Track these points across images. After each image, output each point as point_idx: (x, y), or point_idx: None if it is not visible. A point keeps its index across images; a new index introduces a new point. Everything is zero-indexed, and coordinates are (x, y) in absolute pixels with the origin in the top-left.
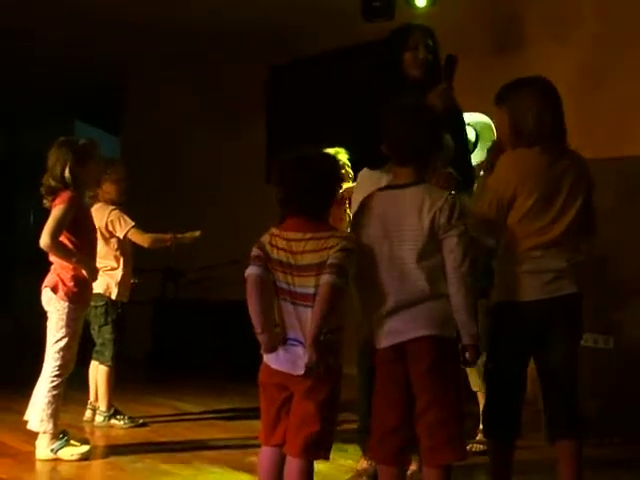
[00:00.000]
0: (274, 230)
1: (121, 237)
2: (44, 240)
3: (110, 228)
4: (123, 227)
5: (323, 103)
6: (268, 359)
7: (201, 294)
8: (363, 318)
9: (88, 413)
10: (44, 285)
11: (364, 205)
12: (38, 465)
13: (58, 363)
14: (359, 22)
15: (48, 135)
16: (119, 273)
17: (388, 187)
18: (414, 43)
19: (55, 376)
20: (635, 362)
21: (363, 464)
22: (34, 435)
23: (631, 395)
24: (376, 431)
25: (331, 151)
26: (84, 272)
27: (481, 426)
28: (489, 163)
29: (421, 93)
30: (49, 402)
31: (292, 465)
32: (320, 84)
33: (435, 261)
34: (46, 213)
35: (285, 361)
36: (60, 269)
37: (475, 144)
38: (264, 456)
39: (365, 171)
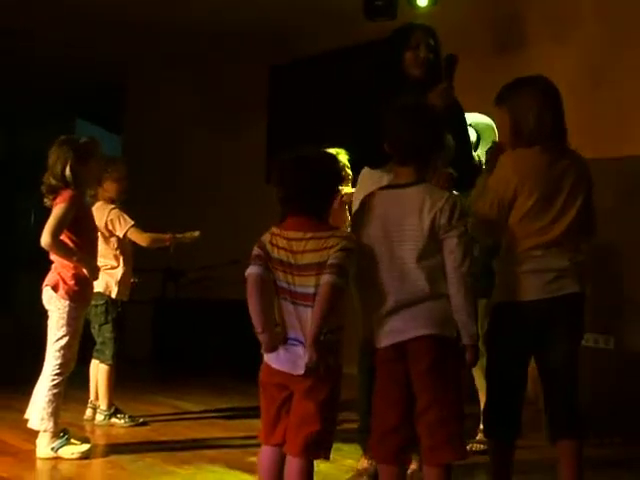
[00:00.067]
0: (275, 229)
1: (120, 236)
2: (45, 239)
3: (110, 227)
4: (123, 226)
5: (323, 103)
6: (268, 359)
7: (201, 294)
8: (363, 318)
9: (89, 412)
10: (45, 284)
11: (365, 204)
12: (38, 464)
13: (59, 362)
14: (359, 22)
15: (49, 134)
16: (119, 272)
17: (389, 186)
18: (415, 42)
19: (56, 375)
20: (635, 362)
21: (364, 463)
22: (35, 433)
23: (631, 395)
24: (376, 430)
25: (332, 151)
26: (85, 271)
27: (481, 426)
28: (488, 164)
29: (422, 93)
30: (50, 401)
31: (292, 464)
32: (320, 84)
33: (435, 261)
34: (47, 212)
35: (285, 361)
36: (61, 268)
37: (476, 145)
38: (264, 455)
39: (366, 170)
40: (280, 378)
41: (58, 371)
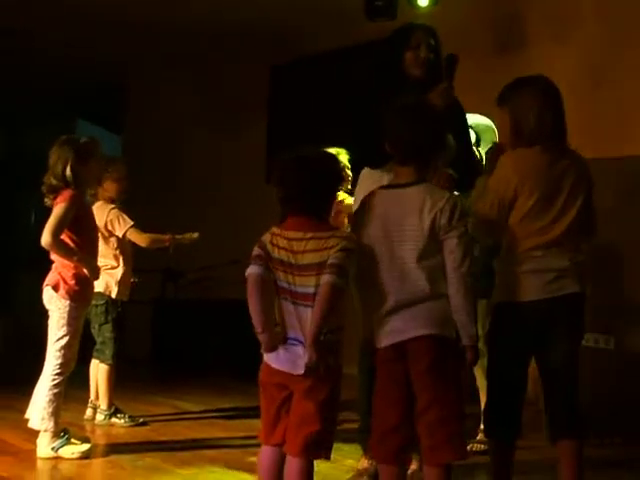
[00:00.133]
0: (275, 229)
1: (120, 236)
2: (45, 238)
3: (109, 227)
4: (122, 226)
5: (324, 103)
6: (268, 358)
7: (201, 294)
8: (363, 318)
9: (89, 412)
10: (45, 283)
11: (365, 204)
12: (39, 463)
13: (59, 361)
14: (359, 22)
15: (49, 134)
16: (119, 272)
17: (389, 186)
18: (416, 42)
19: (56, 374)
20: (636, 362)
21: (364, 463)
22: (35, 433)
23: (632, 395)
24: (376, 430)
25: (332, 151)
26: (85, 270)
27: (482, 426)
28: (489, 165)
29: (422, 93)
30: (50, 400)
31: (292, 465)
32: (321, 84)
33: (435, 261)
34: (47, 212)
35: (285, 360)
36: (61, 267)
37: (476, 146)
38: (264, 455)
39: (366, 170)
40: (280, 378)
41: (58, 371)
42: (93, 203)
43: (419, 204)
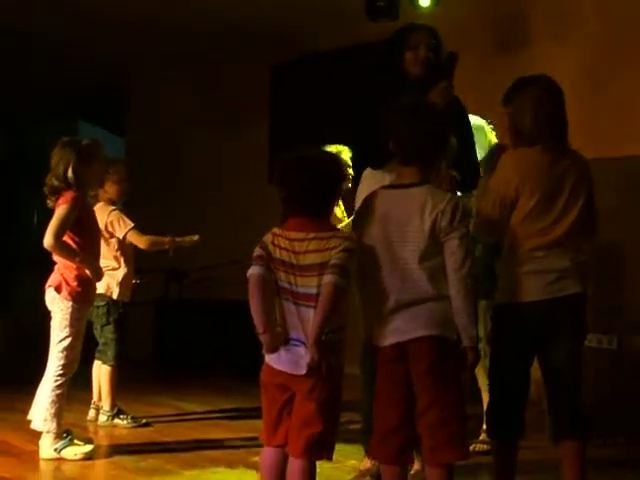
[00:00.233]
0: (276, 230)
1: (120, 238)
2: (48, 240)
3: (110, 229)
4: (122, 228)
5: (325, 103)
6: (270, 359)
7: (202, 294)
8: (364, 317)
9: (91, 412)
10: (48, 285)
11: (367, 204)
12: (42, 464)
13: (62, 362)
14: (360, 22)
15: (51, 135)
16: (120, 273)
17: (392, 186)
18: (415, 42)
19: (59, 375)
20: (639, 362)
21: (366, 464)
22: (38, 434)
23: (635, 395)
24: (377, 431)
25: (333, 149)
26: (87, 272)
27: (484, 426)
28: (490, 165)
29: (422, 92)
30: (53, 401)
31: (294, 465)
32: (321, 84)
33: (437, 262)
34: (49, 213)
35: (287, 361)
36: (64, 269)
37: None
38: (266, 456)
39: (368, 170)
40: (281, 378)
41: (61, 372)
42: (94, 204)
43: (420, 205)
